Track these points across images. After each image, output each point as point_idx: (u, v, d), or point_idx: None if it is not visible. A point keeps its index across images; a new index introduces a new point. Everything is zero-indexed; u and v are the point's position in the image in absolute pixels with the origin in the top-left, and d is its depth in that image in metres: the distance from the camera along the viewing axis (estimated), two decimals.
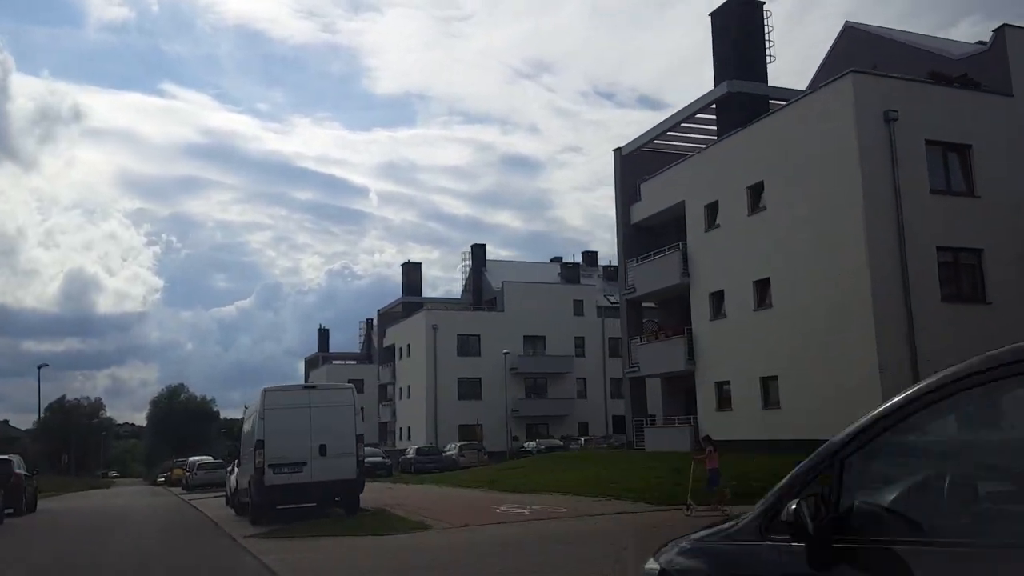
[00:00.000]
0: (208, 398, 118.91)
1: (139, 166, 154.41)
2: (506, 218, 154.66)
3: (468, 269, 65.64)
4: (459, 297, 67.62)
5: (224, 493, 27.10)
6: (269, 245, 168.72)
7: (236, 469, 22.52)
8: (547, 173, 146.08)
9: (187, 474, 40.80)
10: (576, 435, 52.03)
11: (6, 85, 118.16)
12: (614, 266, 68.69)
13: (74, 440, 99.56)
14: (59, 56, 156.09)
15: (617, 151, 34.28)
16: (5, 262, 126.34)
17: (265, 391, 16.62)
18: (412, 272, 69.79)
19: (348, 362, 78.42)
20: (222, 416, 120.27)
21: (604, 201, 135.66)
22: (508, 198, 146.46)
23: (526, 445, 46.14)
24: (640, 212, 32.92)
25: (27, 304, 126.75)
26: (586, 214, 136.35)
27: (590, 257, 68.65)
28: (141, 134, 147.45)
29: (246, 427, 18.63)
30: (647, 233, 32.55)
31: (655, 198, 31.68)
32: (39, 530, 18.83)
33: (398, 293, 68.82)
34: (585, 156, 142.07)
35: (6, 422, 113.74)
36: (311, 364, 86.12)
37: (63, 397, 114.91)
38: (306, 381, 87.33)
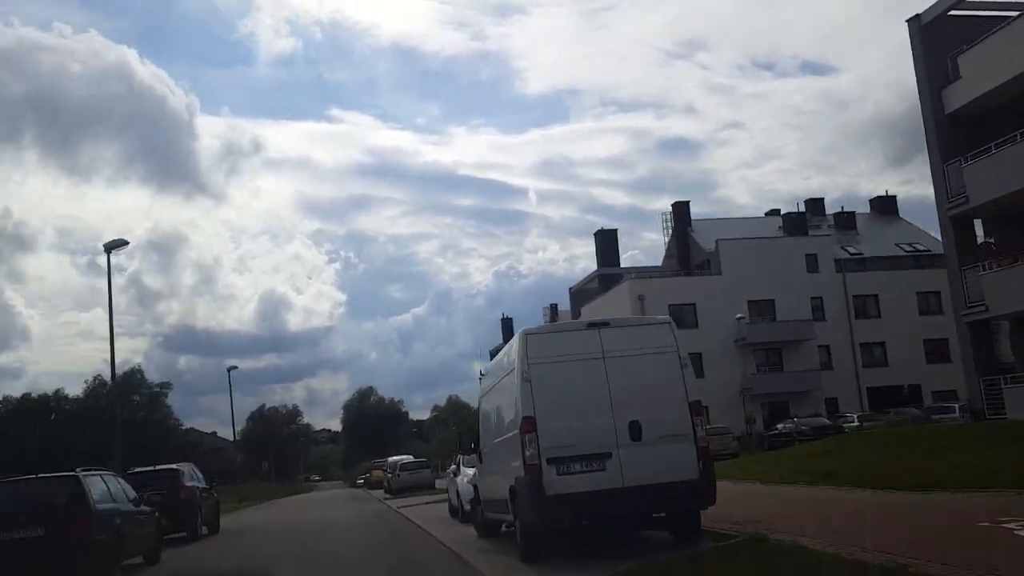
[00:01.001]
0: (396, 400, 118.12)
1: (315, 190, 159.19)
2: (667, 203, 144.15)
3: (670, 230, 57.27)
4: (660, 264, 59.42)
5: (445, 499, 21.04)
6: (437, 253, 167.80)
7: (461, 469, 16.04)
8: (708, 153, 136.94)
9: (388, 475, 35.83)
10: (822, 412, 42.67)
11: (193, 126, 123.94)
12: (847, 213, 59.09)
13: (273, 447, 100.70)
14: (236, 94, 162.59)
15: (914, 19, 25.16)
16: (206, 289, 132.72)
17: (526, 335, 9.73)
18: (607, 240, 62.19)
19: None
20: (411, 417, 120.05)
21: (772, 176, 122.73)
22: (668, 183, 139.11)
23: (780, 427, 37.52)
24: (958, 95, 23.73)
25: (228, 326, 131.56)
26: (753, 191, 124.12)
27: (815, 205, 58.27)
28: (314, 159, 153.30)
29: (488, 403, 11.86)
30: (970, 124, 23.34)
31: (985, 71, 22.44)
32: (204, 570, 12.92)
33: (565, 289, 61.15)
34: (747, 132, 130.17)
35: (214, 433, 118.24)
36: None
37: (263, 406, 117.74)
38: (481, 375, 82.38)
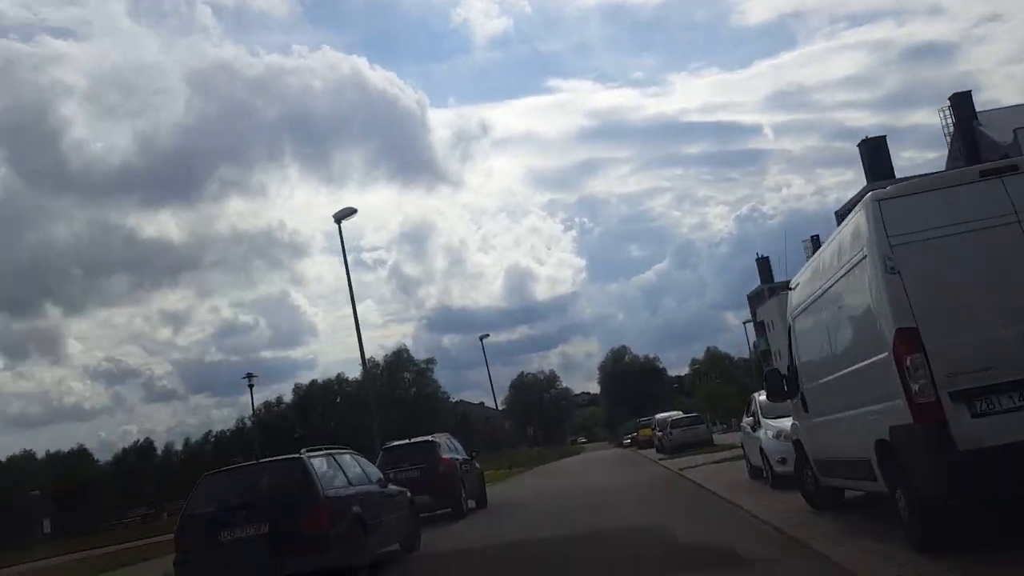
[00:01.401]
0: (651, 356, 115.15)
1: (543, 162, 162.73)
2: (922, 117, 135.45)
3: (951, 127, 48.57)
4: (943, 169, 50.69)
5: (732, 458, 17.84)
6: (672, 206, 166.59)
7: (763, 421, 12.64)
8: (964, 54, 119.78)
9: (659, 434, 33.02)
10: None
11: (425, 120, 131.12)
12: None
13: (536, 412, 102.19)
14: (460, 83, 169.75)
15: None
16: (457, 270, 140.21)
17: (878, 202, 6.09)
18: (875, 150, 54.12)
19: None
20: (668, 374, 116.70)
21: None
22: (920, 94, 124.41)
23: None
24: None
25: (482, 303, 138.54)
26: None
27: None
28: (539, 132, 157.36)
29: (809, 322, 8.34)
30: None
31: None
32: (479, 555, 10.68)
33: (816, 225, 54.28)
34: (1007, 23, 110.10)
35: (481, 403, 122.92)
36: (756, 299, 74.92)
37: (521, 374, 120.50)
38: (754, 319, 76.74)
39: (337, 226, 24.68)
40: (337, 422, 76.33)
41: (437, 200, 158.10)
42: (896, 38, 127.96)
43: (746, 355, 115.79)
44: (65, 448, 75.43)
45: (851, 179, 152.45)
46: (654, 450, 35.52)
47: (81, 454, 74.73)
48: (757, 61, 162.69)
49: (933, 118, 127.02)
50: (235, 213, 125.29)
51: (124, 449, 77.76)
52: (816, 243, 69.88)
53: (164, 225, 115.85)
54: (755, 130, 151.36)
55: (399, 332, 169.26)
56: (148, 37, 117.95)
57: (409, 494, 12.01)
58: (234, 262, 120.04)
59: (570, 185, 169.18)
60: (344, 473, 9.74)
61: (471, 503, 17.47)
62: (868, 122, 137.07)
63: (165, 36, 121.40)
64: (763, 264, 74.49)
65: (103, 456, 76.66)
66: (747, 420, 13.93)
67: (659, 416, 36.19)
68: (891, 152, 53.98)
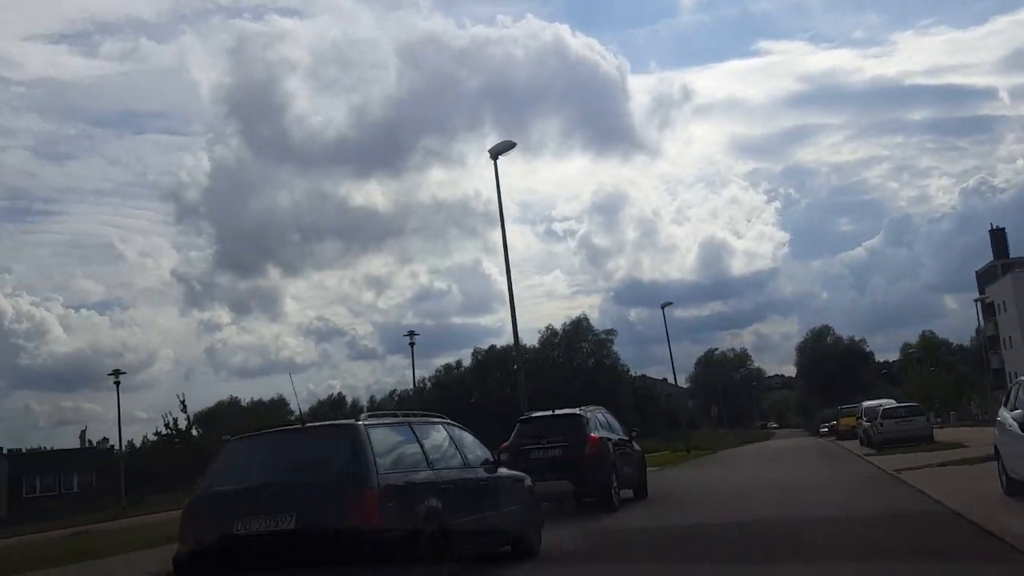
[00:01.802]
0: (857, 338, 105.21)
1: (747, 129, 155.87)
2: None
3: None
4: None
5: (969, 460, 13.81)
6: (890, 177, 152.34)
7: None
8: None
9: (865, 424, 28.21)
10: None
11: (625, 87, 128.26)
12: None
13: (723, 392, 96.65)
14: (662, 47, 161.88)
15: None
16: (649, 243, 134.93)
17: None
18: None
19: None
20: (877, 359, 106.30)
21: None
22: None
23: None
24: None
25: (672, 276, 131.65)
26: None
27: None
28: (744, 98, 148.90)
29: None
30: None
31: None
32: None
33: None
34: None
35: (664, 380, 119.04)
36: (986, 277, 65.31)
37: (710, 350, 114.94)
38: (982, 296, 66.80)
39: (493, 163, 23.49)
40: (513, 388, 75.56)
41: (632, 170, 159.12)
42: None
43: (966, 342, 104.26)
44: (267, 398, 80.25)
45: None
46: (857, 442, 30.66)
47: (280, 403, 79.11)
48: (995, 16, 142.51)
49: None
50: (436, 182, 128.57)
51: (319, 401, 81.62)
52: None
53: (371, 194, 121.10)
54: (989, 94, 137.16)
55: (585, 304, 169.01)
56: (364, 12, 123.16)
57: (528, 481, 9.24)
58: (433, 230, 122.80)
59: (776, 154, 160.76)
60: (424, 451, 7.11)
61: (626, 493, 14.46)
62: None
63: (379, 11, 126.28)
64: (998, 236, 64.65)
65: (304, 407, 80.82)
66: (1010, 413, 9.90)
67: (867, 404, 31.17)
68: None
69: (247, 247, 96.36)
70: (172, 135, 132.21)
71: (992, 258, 64.85)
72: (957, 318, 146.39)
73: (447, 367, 79.03)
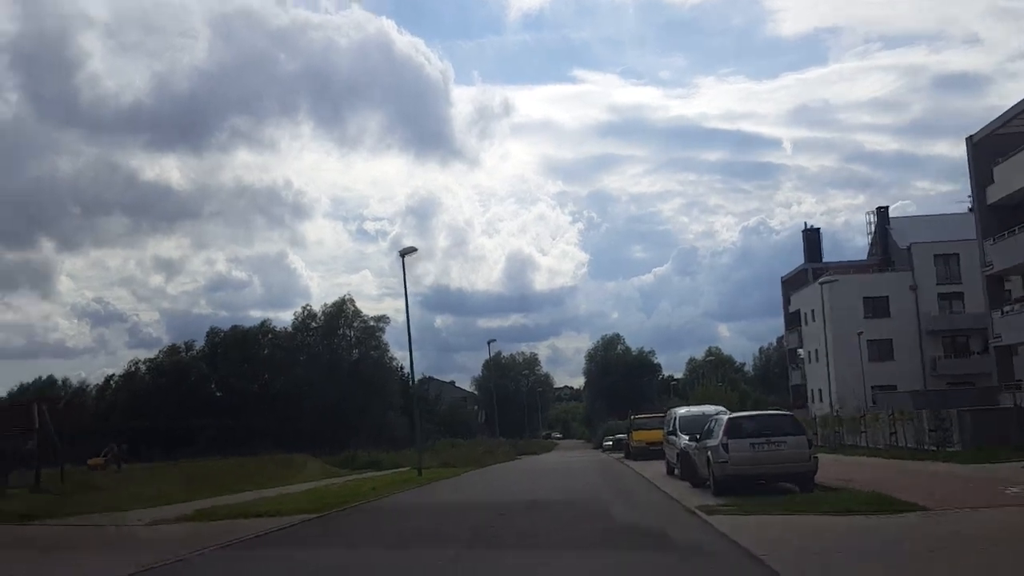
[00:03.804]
0: (646, 350, 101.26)
1: (558, 152, 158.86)
2: (944, 148, 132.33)
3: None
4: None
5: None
6: (681, 211, 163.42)
7: None
8: (996, 88, 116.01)
9: (686, 444, 18.14)
10: None
11: (447, 93, 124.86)
12: None
13: (507, 397, 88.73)
14: (485, 61, 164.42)
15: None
16: (459, 252, 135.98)
17: None
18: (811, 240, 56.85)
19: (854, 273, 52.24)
20: (665, 373, 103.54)
21: None
22: (945, 125, 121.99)
23: None
24: None
25: (479, 287, 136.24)
26: None
27: None
28: (558, 121, 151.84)
29: None
30: None
31: None
32: None
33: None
34: None
35: (452, 383, 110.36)
36: (793, 284, 60.60)
37: (498, 353, 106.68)
38: (787, 307, 62.52)
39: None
40: (256, 380, 62.33)
41: (448, 177, 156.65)
42: (929, 64, 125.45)
43: (748, 362, 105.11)
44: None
45: (861, 203, 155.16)
46: (663, 469, 21.13)
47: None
48: (785, 73, 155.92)
49: (956, 150, 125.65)
50: (241, 165, 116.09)
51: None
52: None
53: (167, 170, 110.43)
54: (774, 143, 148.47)
55: (393, 306, 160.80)
56: None
57: None
58: (235, 215, 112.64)
59: (583, 178, 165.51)
60: None
61: None
62: (888, 147, 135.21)
63: None
64: (811, 238, 60.08)
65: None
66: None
67: (685, 410, 21.40)
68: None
69: (18, 215, 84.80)
70: None
71: (803, 261, 60.07)
72: (729, 345, 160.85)
73: (172, 348, 63.80)
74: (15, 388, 68.67)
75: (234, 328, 65.42)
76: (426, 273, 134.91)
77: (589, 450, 64.63)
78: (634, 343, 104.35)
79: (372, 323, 65.72)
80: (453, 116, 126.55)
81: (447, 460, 34.81)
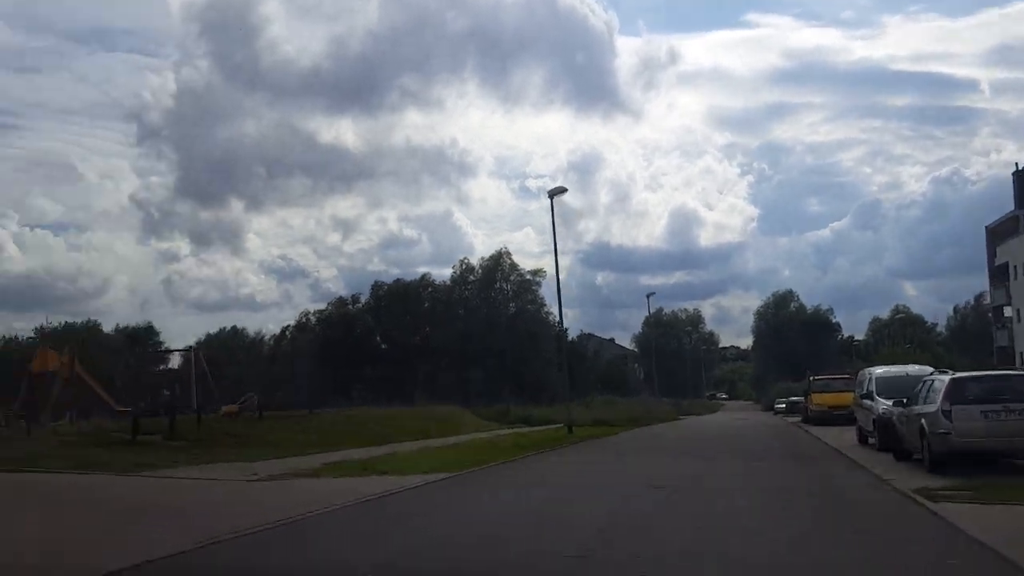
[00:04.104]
0: (823, 308, 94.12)
1: (728, 101, 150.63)
2: None
3: None
4: None
5: None
6: (863, 161, 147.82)
7: None
8: None
9: (886, 410, 14.88)
10: None
11: (612, 44, 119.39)
12: None
13: (668, 355, 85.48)
14: (650, 10, 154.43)
15: None
16: (621, 208, 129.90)
17: None
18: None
19: None
20: (844, 334, 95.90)
21: None
22: None
23: None
24: None
25: (641, 243, 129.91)
26: None
27: None
28: (728, 69, 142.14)
29: None
30: None
31: None
32: None
33: None
34: None
35: (611, 340, 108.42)
36: (1000, 233, 53.17)
37: (660, 310, 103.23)
38: (992, 260, 55.16)
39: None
40: (417, 332, 63.17)
41: (611, 131, 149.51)
42: None
43: (940, 322, 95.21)
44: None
45: None
46: (855, 436, 17.94)
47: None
48: (985, 8, 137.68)
49: None
50: (411, 125, 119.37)
51: None
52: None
53: (343, 131, 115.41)
54: (970, 86, 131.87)
55: (553, 264, 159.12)
56: None
57: None
58: (405, 175, 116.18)
59: (753, 128, 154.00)
60: None
61: None
62: None
63: None
64: (1023, 180, 52.06)
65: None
66: None
67: (883, 370, 17.89)
68: None
69: (210, 176, 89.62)
70: (141, 54, 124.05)
71: (1013, 207, 52.34)
72: (918, 305, 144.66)
73: (340, 301, 65.48)
74: (202, 338, 73.51)
75: (396, 282, 66.23)
76: (587, 230, 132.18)
77: (758, 412, 60.57)
78: (808, 301, 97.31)
79: (528, 277, 64.46)
80: (617, 68, 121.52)
81: (602, 417, 32.80)
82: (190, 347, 34.87)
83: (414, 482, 11.62)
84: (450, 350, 59.20)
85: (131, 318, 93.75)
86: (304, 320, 64.50)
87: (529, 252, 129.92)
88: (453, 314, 63.11)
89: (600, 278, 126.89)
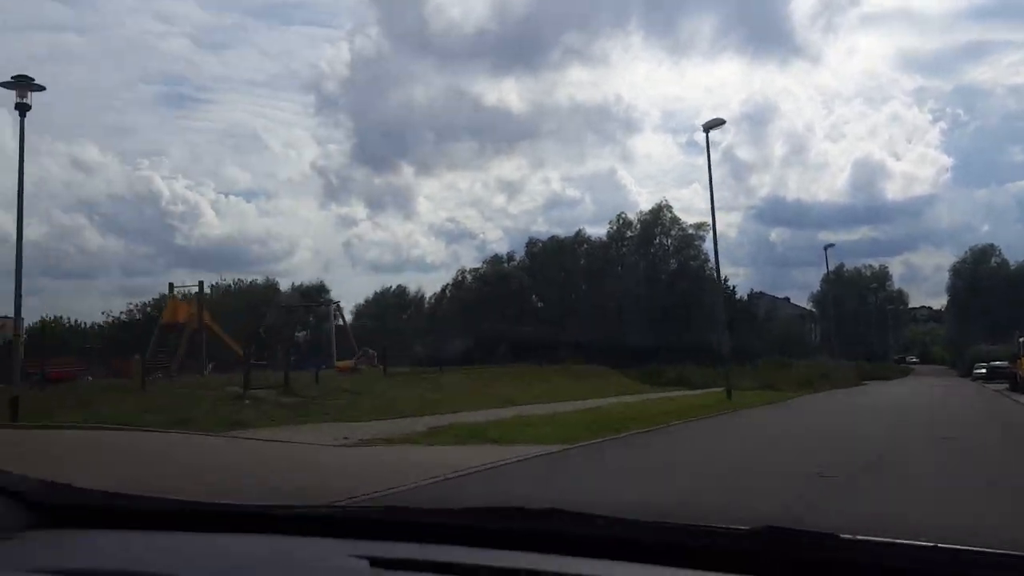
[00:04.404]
0: None
1: (918, 42, 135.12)
2: None
3: None
4: None
5: None
6: None
7: None
8: None
9: None
10: None
11: None
12: None
13: (849, 315, 78.87)
14: None
15: None
16: (797, 160, 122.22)
17: None
18: None
19: None
20: None
21: None
22: None
23: None
24: None
25: (820, 197, 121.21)
26: None
27: None
28: (917, 7, 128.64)
29: None
30: None
31: None
32: None
33: None
34: None
35: (786, 299, 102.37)
36: None
37: (840, 266, 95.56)
38: None
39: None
40: (571, 289, 61.47)
41: (788, 78, 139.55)
42: None
43: None
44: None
45: None
46: None
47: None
48: None
49: None
50: (574, 83, 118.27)
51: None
52: None
53: (506, 93, 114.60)
54: None
55: (724, 221, 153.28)
56: None
57: None
58: (568, 134, 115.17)
59: (947, 71, 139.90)
60: None
61: None
62: None
63: None
64: None
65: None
66: None
67: None
68: None
69: (383, 142, 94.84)
70: (317, 26, 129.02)
71: None
72: None
73: (495, 258, 64.76)
74: (370, 296, 75.69)
75: (552, 239, 64.55)
76: (760, 184, 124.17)
77: (954, 378, 54.19)
78: (1011, 257, 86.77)
79: (691, 231, 60.68)
80: (794, 10, 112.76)
81: (771, 382, 29.62)
82: (330, 301, 34.63)
83: (515, 454, 9.69)
84: (605, 308, 56.97)
85: (316, 278, 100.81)
86: (460, 278, 64.37)
87: (697, 209, 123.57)
88: (610, 271, 60.68)
89: (774, 235, 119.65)
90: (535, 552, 1.12)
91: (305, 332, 33.57)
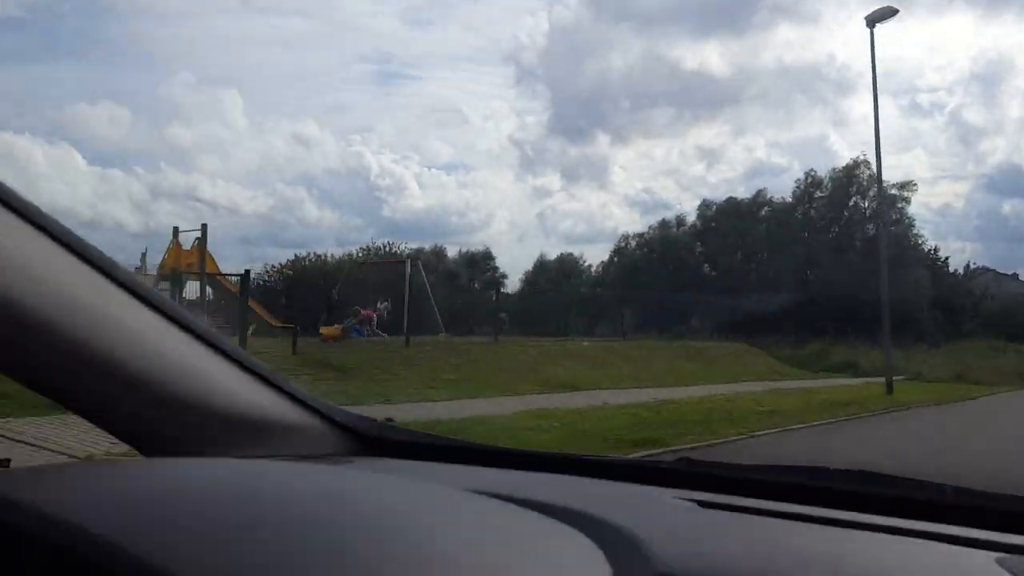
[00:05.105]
0: None
1: None
2: None
3: None
4: None
5: None
6: None
7: None
8: None
9: None
10: None
11: None
12: None
13: None
14: None
15: None
16: None
17: None
18: None
19: None
20: None
21: None
22: None
23: None
24: None
25: None
26: None
27: None
28: None
29: None
30: None
31: None
32: None
33: None
34: None
35: (1015, 276, 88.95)
36: None
37: None
38: None
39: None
40: (744, 253, 55.91)
41: None
42: None
43: None
44: None
45: None
46: None
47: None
48: None
49: None
50: (782, 43, 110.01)
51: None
52: None
53: (707, 56, 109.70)
54: None
55: (950, 191, 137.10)
56: None
57: None
58: (775, 98, 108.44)
59: None
60: None
61: None
62: None
63: None
64: None
65: None
66: None
67: None
68: None
69: (579, 112, 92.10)
70: None
71: None
72: None
73: (663, 223, 60.11)
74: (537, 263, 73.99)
75: (729, 199, 58.95)
76: (992, 149, 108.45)
77: None
78: None
79: (895, 192, 52.73)
80: None
81: (963, 372, 23.81)
82: (410, 257, 30.88)
83: None
84: (785, 278, 51.00)
85: (511, 250, 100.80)
86: (624, 245, 60.48)
87: (919, 178, 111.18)
88: (794, 236, 54.33)
89: (1008, 207, 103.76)
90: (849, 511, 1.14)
91: (386, 302, 29.56)
